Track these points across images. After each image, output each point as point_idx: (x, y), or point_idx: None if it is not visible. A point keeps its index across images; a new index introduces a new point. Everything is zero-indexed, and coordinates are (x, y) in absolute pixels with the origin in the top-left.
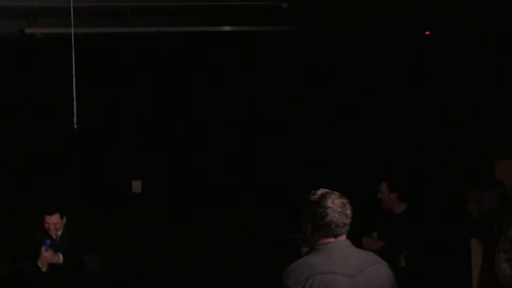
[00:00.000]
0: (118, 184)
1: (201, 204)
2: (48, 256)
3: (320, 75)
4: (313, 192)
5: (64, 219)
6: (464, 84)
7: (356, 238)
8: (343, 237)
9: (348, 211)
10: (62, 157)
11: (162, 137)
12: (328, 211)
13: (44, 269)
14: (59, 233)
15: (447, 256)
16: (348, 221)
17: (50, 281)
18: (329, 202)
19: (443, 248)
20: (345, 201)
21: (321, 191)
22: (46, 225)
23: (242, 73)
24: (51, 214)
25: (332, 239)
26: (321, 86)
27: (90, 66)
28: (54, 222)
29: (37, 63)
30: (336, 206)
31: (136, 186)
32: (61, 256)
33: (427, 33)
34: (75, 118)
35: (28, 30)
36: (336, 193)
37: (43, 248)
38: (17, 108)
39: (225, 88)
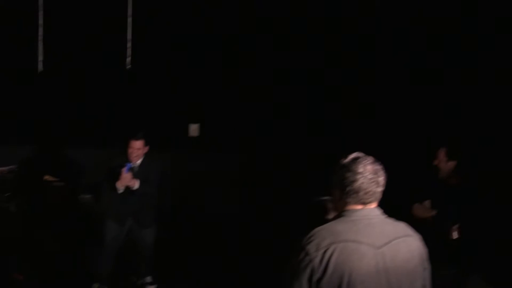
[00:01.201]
0: (175, 127)
1: None
2: (127, 178)
3: None
4: (345, 155)
5: (147, 148)
6: None
7: (406, 205)
8: (372, 205)
9: (381, 179)
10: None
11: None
12: (358, 176)
13: (120, 190)
14: (139, 162)
15: (503, 229)
16: (380, 189)
17: (121, 205)
18: (360, 167)
19: (499, 220)
20: (378, 167)
21: (354, 155)
22: (130, 150)
23: None
24: (137, 139)
25: (360, 206)
26: None
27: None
28: (138, 147)
29: None
30: (367, 172)
31: (194, 129)
32: (137, 182)
33: None
34: (128, 59)
35: None
36: (370, 158)
37: (124, 170)
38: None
39: None
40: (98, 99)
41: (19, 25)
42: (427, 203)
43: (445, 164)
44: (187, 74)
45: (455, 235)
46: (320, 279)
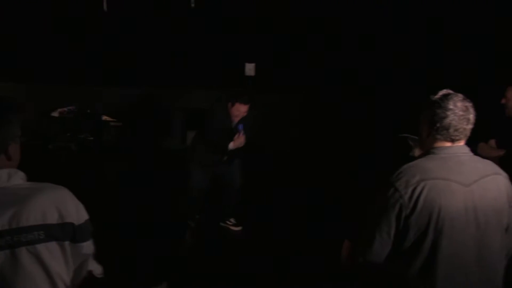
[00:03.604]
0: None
1: None
2: (243, 140)
3: None
4: (435, 92)
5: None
6: None
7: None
8: (461, 143)
9: (471, 116)
10: None
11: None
12: (448, 113)
13: (231, 148)
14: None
15: None
16: (469, 126)
17: (224, 163)
18: (450, 104)
19: None
20: (468, 104)
21: (443, 91)
22: (237, 113)
23: None
24: (246, 103)
25: (449, 144)
26: None
27: None
28: (245, 111)
29: None
30: (458, 109)
31: (249, 68)
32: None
33: None
34: None
35: None
36: (460, 95)
37: (241, 132)
38: None
39: None
40: (157, 38)
41: None
42: (492, 142)
43: None
44: (244, 13)
45: None
46: (408, 216)
